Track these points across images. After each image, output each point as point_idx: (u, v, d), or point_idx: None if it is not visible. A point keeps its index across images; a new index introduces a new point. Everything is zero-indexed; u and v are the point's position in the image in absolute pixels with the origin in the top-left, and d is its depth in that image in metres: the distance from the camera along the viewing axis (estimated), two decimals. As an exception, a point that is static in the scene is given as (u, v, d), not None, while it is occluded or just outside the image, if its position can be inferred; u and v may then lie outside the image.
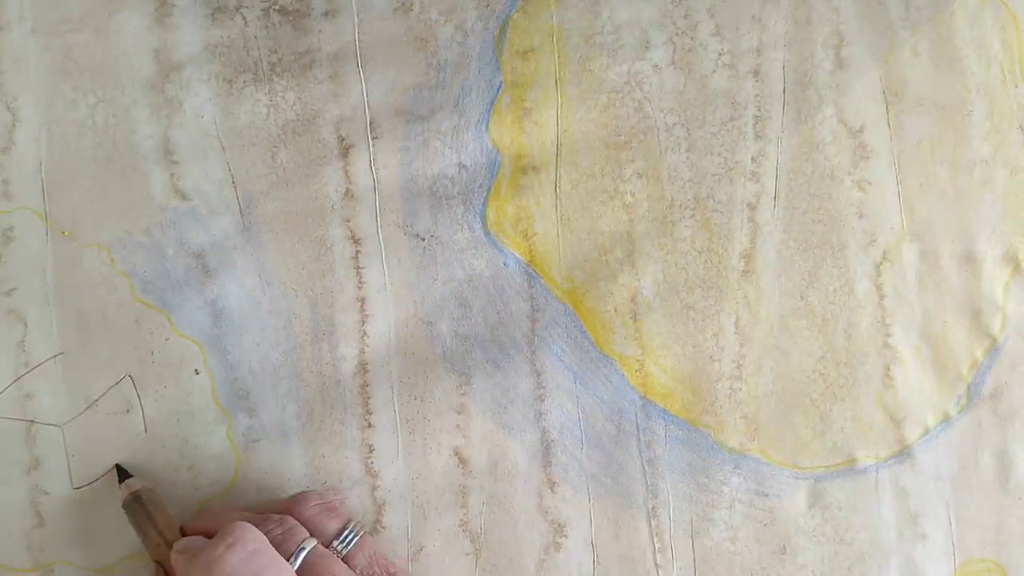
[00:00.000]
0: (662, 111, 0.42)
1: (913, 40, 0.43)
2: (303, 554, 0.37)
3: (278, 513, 0.39)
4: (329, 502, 0.40)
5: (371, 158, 0.42)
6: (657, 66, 0.42)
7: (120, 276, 0.41)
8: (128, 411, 0.41)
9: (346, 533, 0.39)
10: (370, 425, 0.41)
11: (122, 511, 0.40)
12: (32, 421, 0.40)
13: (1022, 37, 0.43)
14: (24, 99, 0.40)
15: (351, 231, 0.42)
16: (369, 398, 0.41)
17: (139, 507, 0.39)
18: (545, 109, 0.42)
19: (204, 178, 0.41)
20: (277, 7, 0.41)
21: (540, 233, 0.42)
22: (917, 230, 0.43)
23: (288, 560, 0.37)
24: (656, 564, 0.42)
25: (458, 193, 0.42)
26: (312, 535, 0.38)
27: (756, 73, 0.42)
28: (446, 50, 0.42)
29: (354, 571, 0.38)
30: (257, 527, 0.37)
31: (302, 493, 0.40)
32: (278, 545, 0.37)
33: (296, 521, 0.39)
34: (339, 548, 0.39)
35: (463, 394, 0.42)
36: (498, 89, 0.42)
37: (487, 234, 0.42)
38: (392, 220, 0.42)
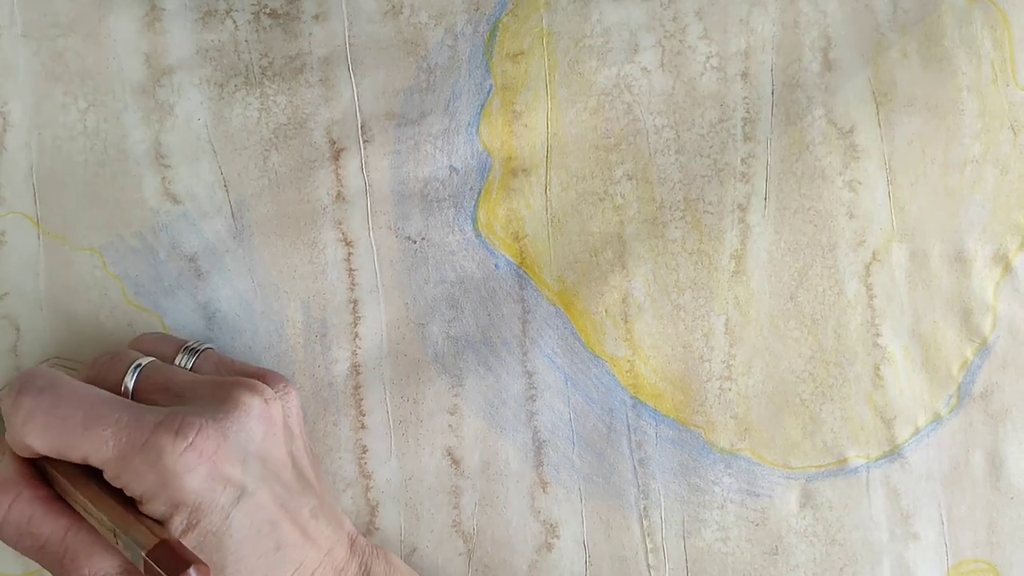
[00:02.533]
0: (651, 113, 0.42)
1: (902, 41, 0.43)
2: (138, 371, 0.36)
3: None
4: (167, 334, 0.39)
5: (362, 161, 0.42)
6: (646, 69, 0.42)
7: (112, 280, 0.41)
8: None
9: (187, 346, 0.38)
10: (363, 426, 0.42)
11: None
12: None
13: (1012, 35, 0.43)
14: (14, 104, 0.41)
15: (343, 233, 0.42)
16: (362, 399, 0.42)
17: None
18: (535, 112, 0.42)
19: (196, 181, 0.41)
20: (267, 11, 0.41)
21: (531, 235, 0.42)
22: (907, 230, 0.43)
23: (120, 382, 0.35)
24: (648, 564, 0.42)
25: (449, 196, 0.42)
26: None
27: (745, 75, 0.42)
28: (436, 53, 0.42)
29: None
30: (88, 370, 0.36)
31: (141, 335, 0.39)
32: (106, 374, 0.36)
33: (130, 350, 0.37)
34: (182, 364, 0.38)
35: (455, 395, 0.42)
36: (488, 92, 0.42)
37: (478, 236, 0.42)
38: (383, 223, 0.42)
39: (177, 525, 0.33)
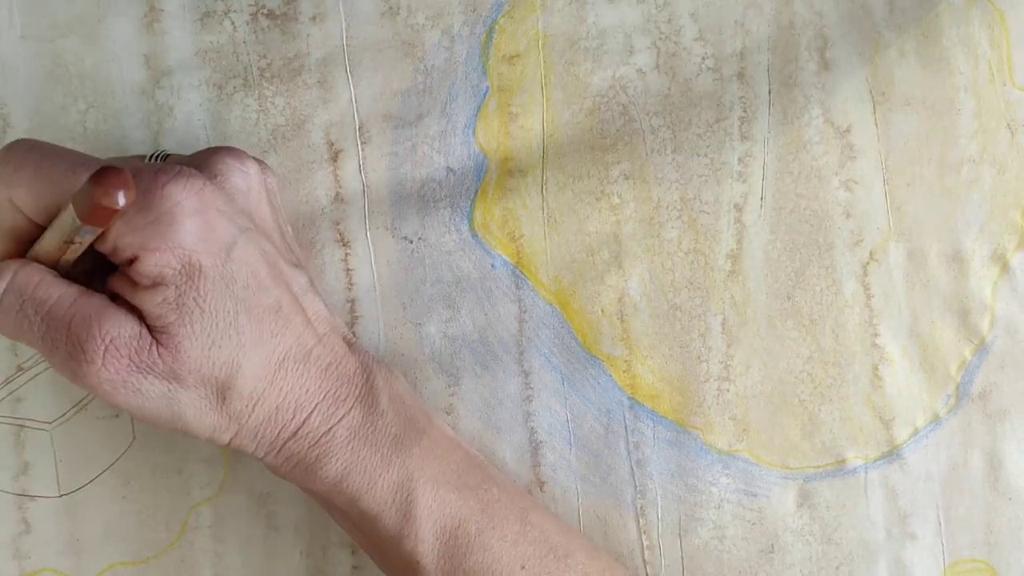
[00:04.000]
0: (647, 114, 0.42)
1: (899, 40, 0.43)
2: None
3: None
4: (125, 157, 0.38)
5: (360, 162, 0.42)
6: (641, 70, 0.42)
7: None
8: (117, 415, 0.41)
9: (152, 153, 0.38)
10: (361, 426, 0.42)
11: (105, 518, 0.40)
12: (22, 424, 0.40)
13: (1010, 35, 0.43)
14: (14, 105, 0.41)
15: (340, 234, 0.42)
16: (359, 400, 0.42)
17: None
18: (531, 113, 0.42)
19: (196, 183, 0.41)
20: (265, 12, 0.42)
21: (527, 235, 0.42)
22: (904, 230, 0.43)
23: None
24: (644, 561, 0.42)
25: (446, 196, 0.42)
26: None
27: (741, 76, 0.43)
28: (433, 55, 0.42)
29: None
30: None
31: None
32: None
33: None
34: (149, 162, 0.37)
35: (452, 395, 0.42)
36: (485, 94, 0.42)
37: (474, 236, 0.42)
38: (381, 223, 0.42)
39: (174, 278, 0.33)
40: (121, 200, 0.30)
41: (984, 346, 0.43)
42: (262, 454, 0.36)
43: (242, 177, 0.36)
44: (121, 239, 0.33)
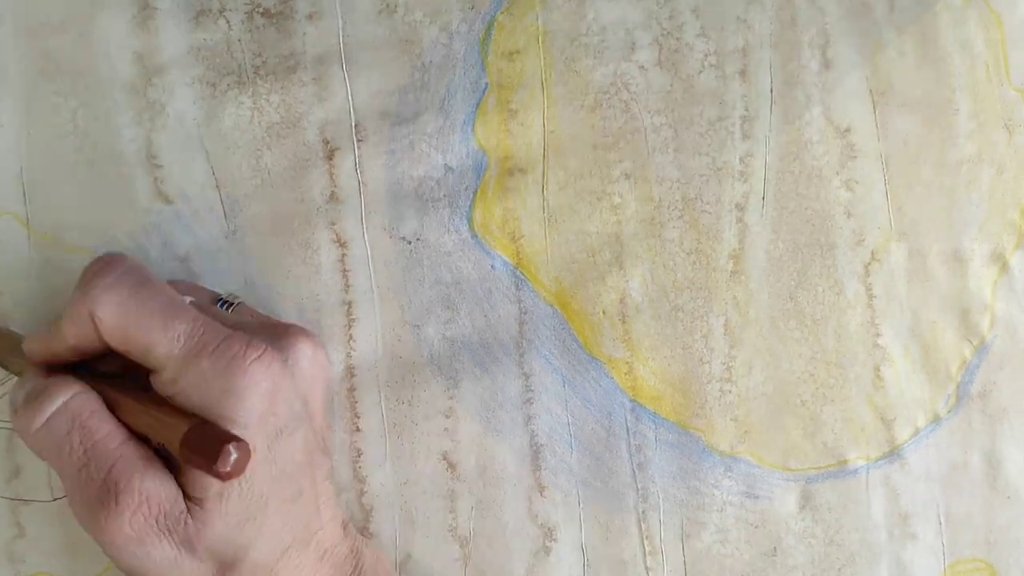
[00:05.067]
0: (649, 112, 0.42)
1: (898, 40, 0.43)
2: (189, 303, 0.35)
3: None
4: (198, 285, 0.39)
5: (356, 161, 0.41)
6: (643, 67, 0.42)
7: (103, 281, 0.40)
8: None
9: (221, 299, 0.38)
10: (358, 429, 0.41)
11: None
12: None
13: (1006, 36, 0.43)
14: (5, 103, 0.40)
15: (337, 234, 0.41)
16: (356, 402, 0.41)
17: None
18: (531, 110, 0.42)
19: (188, 181, 0.41)
20: (260, 10, 0.41)
21: (527, 235, 0.42)
22: (905, 230, 0.43)
23: None
24: (647, 567, 0.42)
25: (444, 195, 0.42)
26: None
27: (743, 73, 0.42)
28: (431, 52, 0.42)
29: None
30: None
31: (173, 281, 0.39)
32: None
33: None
34: (221, 309, 0.37)
35: (451, 398, 0.41)
36: (484, 91, 0.42)
37: (474, 236, 0.42)
38: (378, 223, 0.41)
39: None
40: (230, 469, 0.30)
41: (984, 346, 0.43)
42: None
43: (310, 364, 0.36)
44: (186, 392, 0.32)
